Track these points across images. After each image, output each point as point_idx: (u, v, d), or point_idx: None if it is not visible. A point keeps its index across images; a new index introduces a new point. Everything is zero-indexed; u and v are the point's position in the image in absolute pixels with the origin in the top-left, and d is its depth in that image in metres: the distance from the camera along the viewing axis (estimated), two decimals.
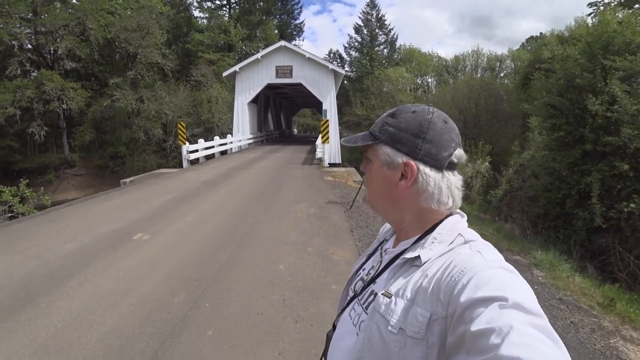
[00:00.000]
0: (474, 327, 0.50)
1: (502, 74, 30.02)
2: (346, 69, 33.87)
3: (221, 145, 15.42)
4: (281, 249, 4.35)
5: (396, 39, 37.50)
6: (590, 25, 8.29)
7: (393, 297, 0.66)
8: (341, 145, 0.85)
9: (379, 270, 0.78)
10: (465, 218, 0.76)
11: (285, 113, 34.14)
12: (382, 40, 37.01)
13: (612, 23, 6.53)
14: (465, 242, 0.69)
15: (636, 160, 5.93)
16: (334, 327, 0.88)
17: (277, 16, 38.36)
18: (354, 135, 0.81)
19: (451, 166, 0.73)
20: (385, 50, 36.97)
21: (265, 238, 4.72)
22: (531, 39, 36.50)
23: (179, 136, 12.75)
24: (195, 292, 3.23)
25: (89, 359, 2.37)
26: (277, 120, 29.04)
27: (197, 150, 13.21)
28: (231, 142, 16.63)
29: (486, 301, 0.53)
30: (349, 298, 0.85)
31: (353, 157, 21.14)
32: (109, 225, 5.24)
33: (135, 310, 2.93)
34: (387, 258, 0.78)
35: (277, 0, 37.40)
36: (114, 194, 7.89)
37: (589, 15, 11.10)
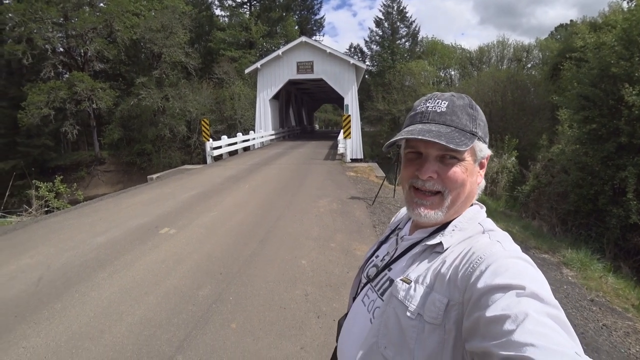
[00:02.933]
0: (490, 313, 0.51)
1: (529, 65, 28.92)
2: (367, 63, 33.47)
3: (244, 141, 15.65)
4: (304, 244, 4.38)
5: (418, 32, 36.69)
6: (626, 10, 7.83)
7: (413, 284, 0.66)
8: (398, 142, 0.74)
9: (395, 257, 0.78)
10: (484, 209, 0.77)
11: (306, 109, 34.20)
12: (404, 33, 36.31)
13: None
14: (484, 231, 0.69)
15: None
16: (346, 314, 0.88)
17: (297, 12, 38.33)
18: (432, 130, 0.68)
19: None
20: (407, 44, 36.27)
21: (288, 233, 4.76)
22: (560, 27, 34.88)
23: (203, 133, 13.02)
24: (219, 285, 3.31)
25: (119, 346, 2.48)
26: (298, 116, 29.14)
27: (220, 147, 13.46)
28: (253, 139, 16.84)
29: (503, 288, 0.53)
30: (362, 284, 0.85)
31: (375, 152, 20.95)
32: (138, 220, 5.44)
33: (162, 302, 3.04)
34: (403, 245, 0.78)
35: None
36: (141, 189, 8.17)
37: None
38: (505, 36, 34.80)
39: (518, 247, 0.64)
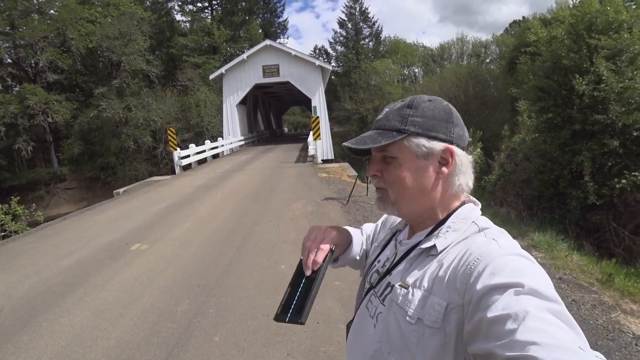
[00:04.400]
0: (490, 314, 0.51)
1: (487, 60, 30.23)
2: (333, 64, 33.76)
3: (212, 149, 15.35)
4: (281, 248, 4.34)
5: (381, 31, 37.52)
6: (572, 6, 8.37)
7: (410, 288, 0.66)
8: (348, 149, 0.79)
9: (394, 262, 0.77)
10: (479, 206, 0.76)
11: (274, 112, 34.01)
12: (367, 33, 36.99)
13: (594, 3, 6.60)
14: (480, 230, 0.69)
15: (625, 137, 6.02)
16: (353, 319, 0.88)
17: (260, 15, 38.05)
18: (364, 136, 0.75)
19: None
20: (370, 43, 36.97)
21: (265, 239, 4.70)
22: (514, 23, 36.68)
23: (170, 142, 12.64)
24: (198, 298, 3.21)
25: None
26: (267, 120, 28.92)
27: (188, 156, 13.12)
28: (222, 145, 16.57)
29: (502, 288, 0.53)
30: (365, 290, 0.85)
31: (345, 152, 21.12)
32: (106, 237, 5.18)
33: (139, 322, 2.90)
34: (402, 250, 0.78)
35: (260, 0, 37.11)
36: (108, 205, 7.80)
37: None
38: (464, 33, 36.18)
39: (515, 243, 0.64)
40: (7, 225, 8.72)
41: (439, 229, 0.72)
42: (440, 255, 0.67)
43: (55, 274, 4.01)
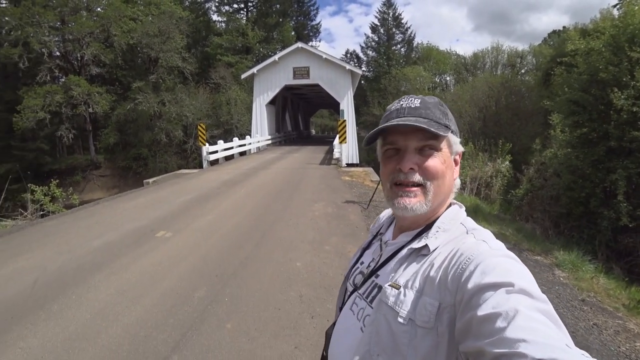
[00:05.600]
0: (481, 312, 0.52)
1: (523, 71, 29.27)
2: (363, 68, 33.79)
3: (240, 146, 15.69)
4: (299, 247, 4.42)
5: (413, 38, 37.20)
6: (616, 17, 8.02)
7: (402, 289, 0.66)
8: (377, 133, 0.75)
9: (380, 263, 0.78)
10: (464, 208, 0.78)
11: (302, 114, 34.32)
12: (399, 39, 36.78)
13: (637, 14, 6.30)
14: (468, 231, 0.71)
15: None
16: (334, 324, 0.86)
17: (294, 18, 38.65)
18: (420, 120, 0.70)
19: None
20: (402, 49, 36.71)
21: (284, 236, 4.80)
22: (553, 33, 35.35)
23: (199, 137, 13.05)
24: (215, 287, 3.34)
25: (115, 347, 2.50)
26: (294, 121, 29.25)
27: (216, 151, 13.48)
28: (250, 143, 16.89)
29: (493, 287, 0.54)
30: (349, 293, 0.84)
31: (371, 157, 21.06)
32: (134, 223, 5.45)
33: (158, 303, 3.06)
34: (389, 250, 0.78)
35: (294, 2, 37.68)
36: (138, 193, 8.18)
37: (615, 6, 10.72)
38: (499, 42, 35.16)
39: (502, 244, 0.66)
40: (45, 206, 9.29)
41: (429, 229, 0.73)
42: (431, 256, 0.68)
43: (85, 253, 4.27)
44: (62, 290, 3.34)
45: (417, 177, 0.71)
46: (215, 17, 33.19)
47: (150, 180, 10.16)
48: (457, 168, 0.77)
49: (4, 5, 21.77)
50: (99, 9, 22.31)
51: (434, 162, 0.71)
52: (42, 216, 8.41)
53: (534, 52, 30.46)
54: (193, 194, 7.63)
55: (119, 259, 4.03)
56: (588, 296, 3.77)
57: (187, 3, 30.39)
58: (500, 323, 0.49)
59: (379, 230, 0.90)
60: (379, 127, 0.73)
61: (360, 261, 0.87)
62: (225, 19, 32.03)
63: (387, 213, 0.96)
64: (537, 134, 15.72)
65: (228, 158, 14.61)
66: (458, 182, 0.78)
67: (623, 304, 3.72)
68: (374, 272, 0.78)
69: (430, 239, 0.70)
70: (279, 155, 15.51)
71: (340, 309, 0.85)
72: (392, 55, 34.51)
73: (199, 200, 7.01)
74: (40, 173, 20.33)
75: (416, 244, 0.71)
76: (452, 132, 0.73)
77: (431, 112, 0.72)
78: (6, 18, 19.57)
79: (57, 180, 10.99)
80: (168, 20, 22.31)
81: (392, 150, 0.74)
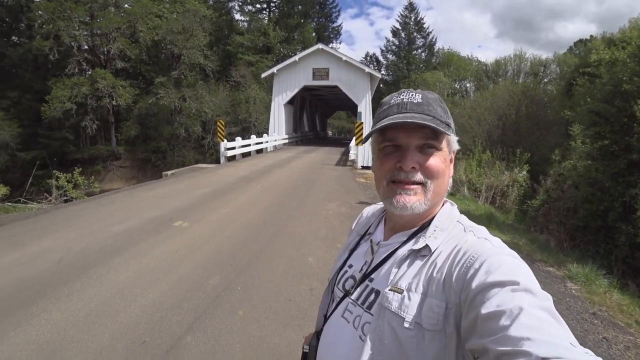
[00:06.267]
0: (485, 310, 0.51)
1: (546, 80, 28.66)
2: (382, 72, 33.76)
3: (257, 144, 15.94)
4: (311, 243, 4.52)
5: (434, 43, 36.97)
6: None
7: (405, 292, 0.64)
8: (375, 132, 0.73)
9: (374, 266, 0.74)
10: (456, 206, 0.77)
11: (320, 115, 34.48)
12: (420, 43, 36.60)
13: None
14: (465, 229, 0.70)
15: None
16: (318, 335, 0.81)
17: (315, 19, 38.87)
18: (412, 116, 0.68)
19: None
20: (423, 54, 36.54)
21: (297, 232, 4.90)
22: (580, 42, 34.42)
23: (218, 133, 13.32)
24: (228, 276, 3.46)
25: (133, 324, 2.64)
26: (312, 121, 29.42)
27: (234, 148, 13.76)
28: (267, 142, 17.11)
29: (497, 285, 0.54)
30: (338, 299, 0.78)
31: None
32: (152, 212, 5.65)
33: (174, 288, 3.20)
34: (382, 251, 0.75)
35: (316, 4, 37.90)
36: (157, 184, 8.43)
37: None
38: (523, 50, 34.51)
39: (502, 242, 0.65)
40: (68, 192, 9.68)
41: (426, 228, 0.71)
42: (432, 256, 0.66)
43: (106, 237, 4.47)
44: (84, 270, 3.52)
45: (418, 176, 0.68)
46: (237, 17, 33.73)
47: (169, 172, 10.44)
48: (451, 166, 0.75)
49: (37, 0, 22.72)
50: (126, 5, 22.99)
51: (435, 161, 0.69)
52: (65, 201, 8.76)
53: (558, 61, 29.82)
54: (210, 187, 7.82)
55: (138, 245, 4.21)
56: (599, 310, 3.72)
57: (211, 2, 30.95)
58: (504, 321, 0.49)
59: (367, 230, 0.86)
60: (384, 123, 0.69)
61: (348, 264, 0.82)
62: (247, 19, 32.48)
63: (371, 210, 0.92)
64: (557, 144, 15.40)
65: (245, 155, 14.86)
66: (450, 181, 0.77)
67: (636, 320, 3.65)
68: (367, 276, 0.74)
69: (430, 239, 0.68)
70: (295, 155, 15.66)
71: (326, 316, 0.81)
72: (412, 60, 34.37)
73: (216, 193, 7.19)
74: (64, 161, 21.07)
75: (416, 245, 0.69)
76: (452, 130, 0.72)
77: (433, 108, 0.70)
78: (40, 12, 20.38)
79: (80, 169, 11.42)
80: (192, 18, 22.80)
81: (392, 147, 0.71)
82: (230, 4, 33.09)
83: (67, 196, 9.47)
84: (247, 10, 32.77)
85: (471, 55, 35.73)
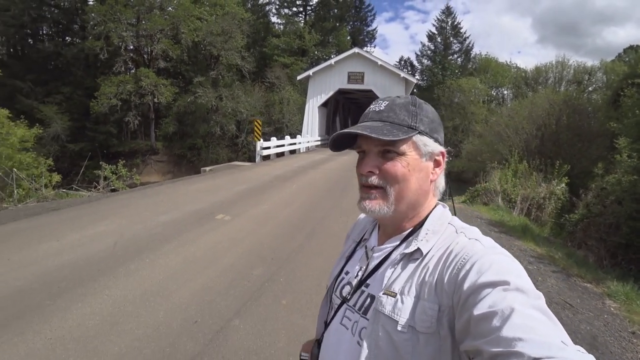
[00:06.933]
0: (477, 312, 0.51)
1: (590, 89, 27.28)
2: (417, 77, 33.32)
3: (291, 144, 16.27)
4: None
5: (471, 48, 36.20)
6: None
7: (398, 296, 0.64)
8: (337, 139, 0.77)
9: (369, 271, 0.75)
10: (447, 208, 0.77)
11: (352, 118, 34.54)
12: (457, 48, 35.92)
13: None
14: (457, 230, 0.70)
15: None
16: (319, 343, 0.82)
17: (350, 23, 39.02)
18: (369, 126, 0.70)
19: None
20: (459, 60, 35.80)
21: (333, 231, 5.05)
22: (630, 48, 32.30)
23: (255, 132, 13.74)
24: (270, 268, 3.67)
25: (185, 305, 2.88)
26: (345, 124, 29.52)
27: (269, 147, 14.13)
28: (300, 143, 17.37)
29: (489, 286, 0.54)
30: (336, 306, 0.79)
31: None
32: (195, 205, 6.00)
33: (220, 276, 3.44)
34: (376, 257, 0.75)
35: (351, 7, 38.09)
36: (197, 179, 8.87)
37: None
38: (566, 56, 32.96)
39: (494, 242, 0.66)
40: (113, 183, 10.35)
41: (417, 232, 0.72)
42: (424, 259, 0.67)
43: (155, 225, 4.81)
44: (137, 253, 3.84)
45: (375, 180, 0.71)
46: (274, 19, 34.59)
47: (207, 168, 10.93)
48: (440, 169, 0.75)
49: (91, 3, 24.37)
50: (170, 9, 24.18)
51: (393, 166, 0.69)
52: (112, 191, 9.39)
53: (605, 68, 28.22)
54: (247, 184, 8.14)
55: (184, 234, 4.51)
56: (639, 329, 3.63)
57: (249, 5, 31.88)
58: (496, 322, 0.49)
59: (363, 236, 0.87)
60: (342, 134, 0.74)
61: (344, 271, 0.83)
62: (284, 22, 33.21)
63: (367, 217, 0.93)
64: (600, 157, 14.66)
65: (279, 155, 15.21)
66: (441, 183, 0.77)
67: None
68: (363, 282, 0.74)
69: (422, 242, 0.69)
70: (327, 156, 15.82)
71: (326, 323, 0.81)
72: (448, 65, 33.75)
73: (254, 190, 7.48)
74: (107, 154, 22.42)
75: (407, 249, 0.70)
76: (420, 132, 0.71)
77: (394, 114, 0.71)
78: (93, 14, 21.87)
79: (124, 161, 12.15)
80: (231, 20, 23.63)
81: (362, 152, 0.75)
82: (268, 7, 33.99)
83: (110, 186, 10.12)
84: (283, 13, 33.55)
85: (510, 61, 34.70)
